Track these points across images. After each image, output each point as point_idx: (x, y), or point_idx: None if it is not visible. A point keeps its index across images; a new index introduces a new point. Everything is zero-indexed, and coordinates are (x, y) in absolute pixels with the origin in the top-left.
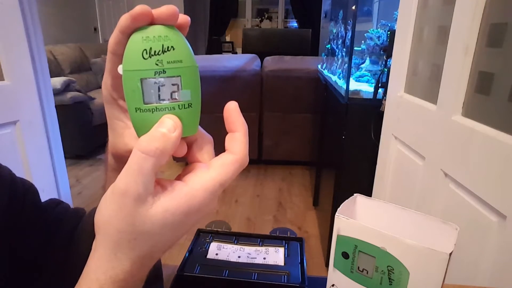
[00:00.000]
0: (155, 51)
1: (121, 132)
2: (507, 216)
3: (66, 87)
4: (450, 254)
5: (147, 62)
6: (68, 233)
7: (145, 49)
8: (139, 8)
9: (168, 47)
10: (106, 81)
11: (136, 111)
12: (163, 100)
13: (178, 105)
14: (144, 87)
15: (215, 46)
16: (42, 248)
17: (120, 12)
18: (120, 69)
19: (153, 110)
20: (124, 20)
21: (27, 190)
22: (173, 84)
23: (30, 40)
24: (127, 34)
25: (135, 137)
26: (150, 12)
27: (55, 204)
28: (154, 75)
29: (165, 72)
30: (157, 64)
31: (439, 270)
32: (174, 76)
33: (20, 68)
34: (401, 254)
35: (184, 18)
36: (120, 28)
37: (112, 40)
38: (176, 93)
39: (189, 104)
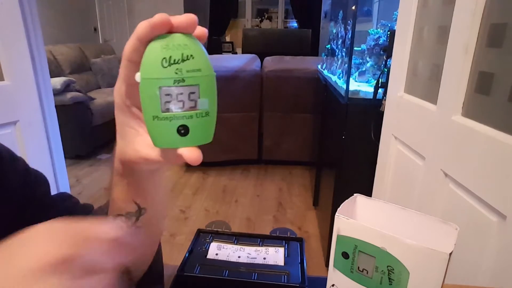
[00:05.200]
0: (174, 60)
1: (132, 139)
2: (507, 216)
3: (66, 87)
4: (450, 254)
5: (167, 71)
6: None
7: (165, 58)
8: (158, 17)
9: (187, 55)
10: (120, 88)
11: (153, 119)
12: (181, 108)
13: (196, 114)
14: (163, 95)
15: (215, 46)
16: None
17: (120, 12)
18: (138, 77)
19: (171, 118)
20: (142, 28)
21: (39, 181)
22: (191, 93)
23: (30, 40)
24: (145, 42)
25: (146, 144)
26: (169, 21)
27: (65, 197)
28: (173, 83)
29: (184, 80)
30: (176, 73)
31: (439, 270)
32: (192, 85)
33: (20, 68)
34: (401, 254)
35: (201, 30)
36: (137, 36)
37: (129, 47)
38: (194, 102)
39: (206, 113)
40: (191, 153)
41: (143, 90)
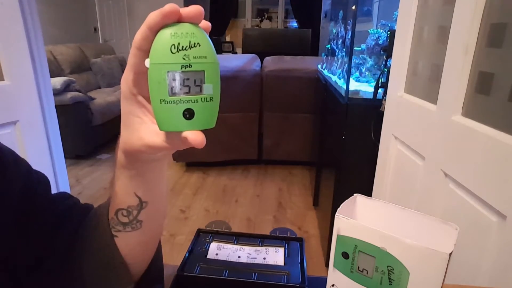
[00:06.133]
0: (182, 46)
1: (136, 127)
2: (507, 216)
3: (66, 87)
4: (450, 254)
5: (175, 56)
6: (74, 226)
7: (174, 44)
8: (169, 7)
9: (194, 43)
10: (128, 76)
11: (160, 103)
12: (187, 93)
13: (201, 98)
14: (170, 80)
15: (215, 46)
16: (47, 238)
17: (120, 12)
18: (147, 62)
19: (178, 102)
20: (153, 17)
21: (41, 180)
22: (197, 78)
23: (30, 40)
24: (155, 30)
25: (150, 132)
26: (178, 10)
27: (65, 197)
28: (181, 68)
29: (191, 66)
30: (184, 59)
31: (439, 270)
32: (199, 71)
33: (20, 68)
34: (401, 254)
35: (206, 23)
36: (148, 25)
37: (139, 36)
38: (199, 87)
39: (211, 98)
40: (195, 136)
41: (151, 75)
